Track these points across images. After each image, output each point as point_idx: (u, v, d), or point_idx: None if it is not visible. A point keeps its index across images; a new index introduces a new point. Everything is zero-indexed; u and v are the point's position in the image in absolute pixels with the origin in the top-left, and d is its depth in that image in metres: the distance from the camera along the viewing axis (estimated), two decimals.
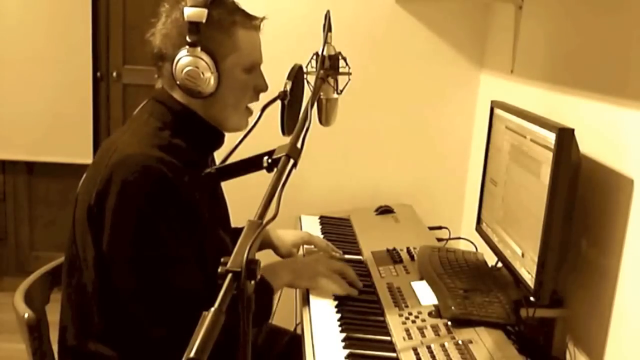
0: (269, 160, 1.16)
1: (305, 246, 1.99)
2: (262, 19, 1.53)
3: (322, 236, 2.10)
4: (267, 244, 1.92)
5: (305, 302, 1.62)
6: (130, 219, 1.35)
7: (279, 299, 2.02)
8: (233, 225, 1.74)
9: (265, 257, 1.84)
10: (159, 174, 1.35)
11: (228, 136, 1.56)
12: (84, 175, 1.46)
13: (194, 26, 1.40)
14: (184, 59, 1.41)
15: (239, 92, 1.51)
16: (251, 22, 1.50)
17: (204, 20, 1.40)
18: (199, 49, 1.41)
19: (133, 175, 1.35)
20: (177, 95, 1.49)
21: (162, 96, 1.50)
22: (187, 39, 1.40)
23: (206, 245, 1.46)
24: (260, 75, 1.56)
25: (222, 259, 0.85)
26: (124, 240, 1.36)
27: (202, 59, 1.41)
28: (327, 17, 1.60)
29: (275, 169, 1.11)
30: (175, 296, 1.38)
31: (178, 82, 1.44)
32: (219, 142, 1.58)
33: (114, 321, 1.42)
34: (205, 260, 1.44)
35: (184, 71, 1.42)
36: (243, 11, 1.51)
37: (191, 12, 1.39)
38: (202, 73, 1.42)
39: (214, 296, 0.81)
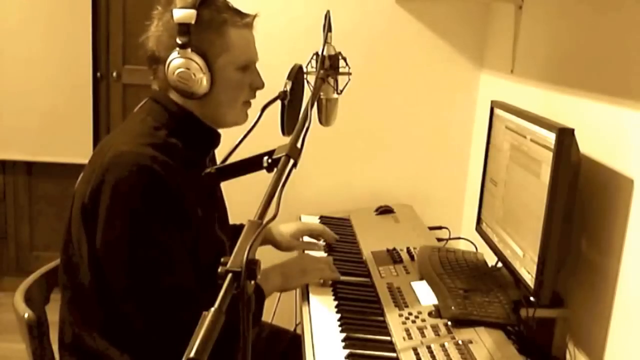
0: (269, 160, 1.16)
1: (305, 238, 2.01)
2: (255, 16, 1.52)
3: None
4: (267, 240, 1.94)
5: (306, 301, 1.62)
6: (122, 218, 1.36)
7: (278, 299, 2.03)
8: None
9: (267, 254, 1.85)
10: (151, 172, 1.35)
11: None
12: (81, 174, 1.47)
13: (183, 28, 1.40)
14: (175, 60, 1.41)
15: (234, 91, 1.51)
16: (242, 20, 1.49)
17: (193, 22, 1.40)
18: (189, 50, 1.40)
19: (125, 173, 1.35)
20: (173, 96, 1.49)
21: (159, 96, 1.51)
22: (177, 40, 1.40)
23: (200, 244, 1.46)
24: (256, 72, 1.55)
25: (222, 259, 0.84)
26: (116, 239, 1.36)
27: (193, 60, 1.41)
28: (327, 17, 1.60)
29: (275, 169, 1.11)
30: (167, 295, 1.38)
31: (172, 85, 1.44)
32: (215, 142, 1.58)
33: (112, 318, 1.42)
34: (199, 260, 1.45)
35: (176, 73, 1.42)
36: (234, 9, 1.50)
37: (180, 14, 1.39)
38: (194, 74, 1.42)
39: (209, 294, 0.80)
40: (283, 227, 1.98)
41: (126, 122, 1.54)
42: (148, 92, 1.55)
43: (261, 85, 1.55)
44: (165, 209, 1.38)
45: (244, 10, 1.53)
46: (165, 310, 1.38)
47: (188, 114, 1.49)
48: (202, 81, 1.43)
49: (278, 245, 1.97)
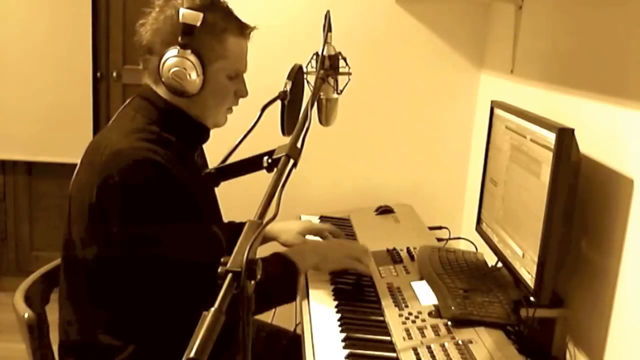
0: (269, 160, 1.17)
1: (310, 236, 2.01)
2: (254, 28, 1.54)
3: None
4: (272, 237, 1.94)
5: (306, 301, 1.62)
6: (138, 212, 1.36)
7: None
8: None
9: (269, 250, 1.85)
10: (153, 163, 1.37)
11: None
12: (75, 176, 1.47)
13: (188, 28, 1.41)
14: (172, 58, 1.43)
15: (221, 97, 1.54)
16: (243, 30, 1.52)
17: (198, 24, 1.41)
18: (189, 51, 1.42)
19: (129, 166, 1.36)
20: (161, 91, 1.51)
21: (147, 93, 1.52)
22: (180, 40, 1.41)
23: (198, 235, 1.47)
24: (243, 81, 1.57)
25: (222, 259, 0.85)
26: (136, 231, 1.37)
27: (190, 61, 1.43)
28: (327, 17, 1.60)
29: (275, 169, 1.12)
30: (190, 270, 1.39)
31: (163, 80, 1.45)
32: (204, 136, 1.60)
33: (120, 312, 1.43)
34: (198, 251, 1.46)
35: (171, 70, 1.43)
36: (237, 19, 1.52)
37: (187, 14, 1.40)
38: (189, 75, 1.43)
39: (210, 291, 0.81)
40: (287, 225, 1.96)
41: (115, 121, 1.54)
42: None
43: (245, 94, 1.58)
44: (173, 197, 1.39)
45: (245, 10, 1.54)
46: (187, 288, 1.39)
47: (176, 109, 1.51)
48: (196, 82, 1.45)
49: (285, 243, 1.94)
